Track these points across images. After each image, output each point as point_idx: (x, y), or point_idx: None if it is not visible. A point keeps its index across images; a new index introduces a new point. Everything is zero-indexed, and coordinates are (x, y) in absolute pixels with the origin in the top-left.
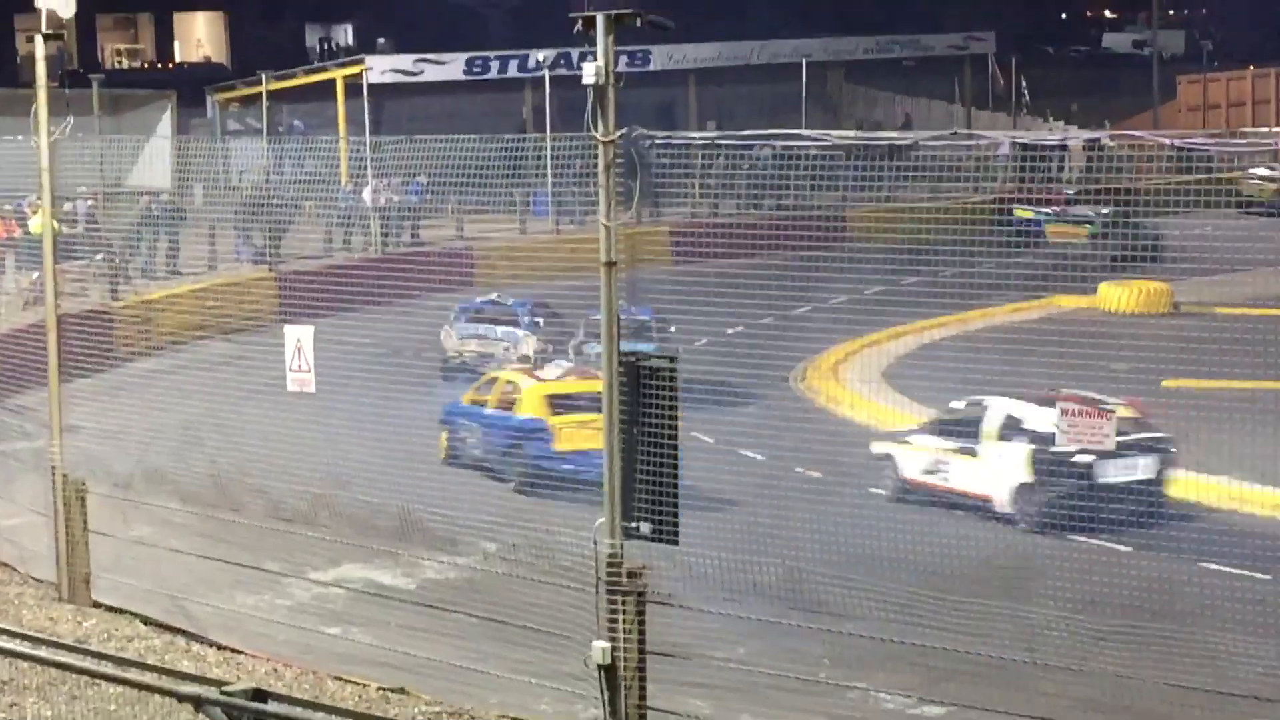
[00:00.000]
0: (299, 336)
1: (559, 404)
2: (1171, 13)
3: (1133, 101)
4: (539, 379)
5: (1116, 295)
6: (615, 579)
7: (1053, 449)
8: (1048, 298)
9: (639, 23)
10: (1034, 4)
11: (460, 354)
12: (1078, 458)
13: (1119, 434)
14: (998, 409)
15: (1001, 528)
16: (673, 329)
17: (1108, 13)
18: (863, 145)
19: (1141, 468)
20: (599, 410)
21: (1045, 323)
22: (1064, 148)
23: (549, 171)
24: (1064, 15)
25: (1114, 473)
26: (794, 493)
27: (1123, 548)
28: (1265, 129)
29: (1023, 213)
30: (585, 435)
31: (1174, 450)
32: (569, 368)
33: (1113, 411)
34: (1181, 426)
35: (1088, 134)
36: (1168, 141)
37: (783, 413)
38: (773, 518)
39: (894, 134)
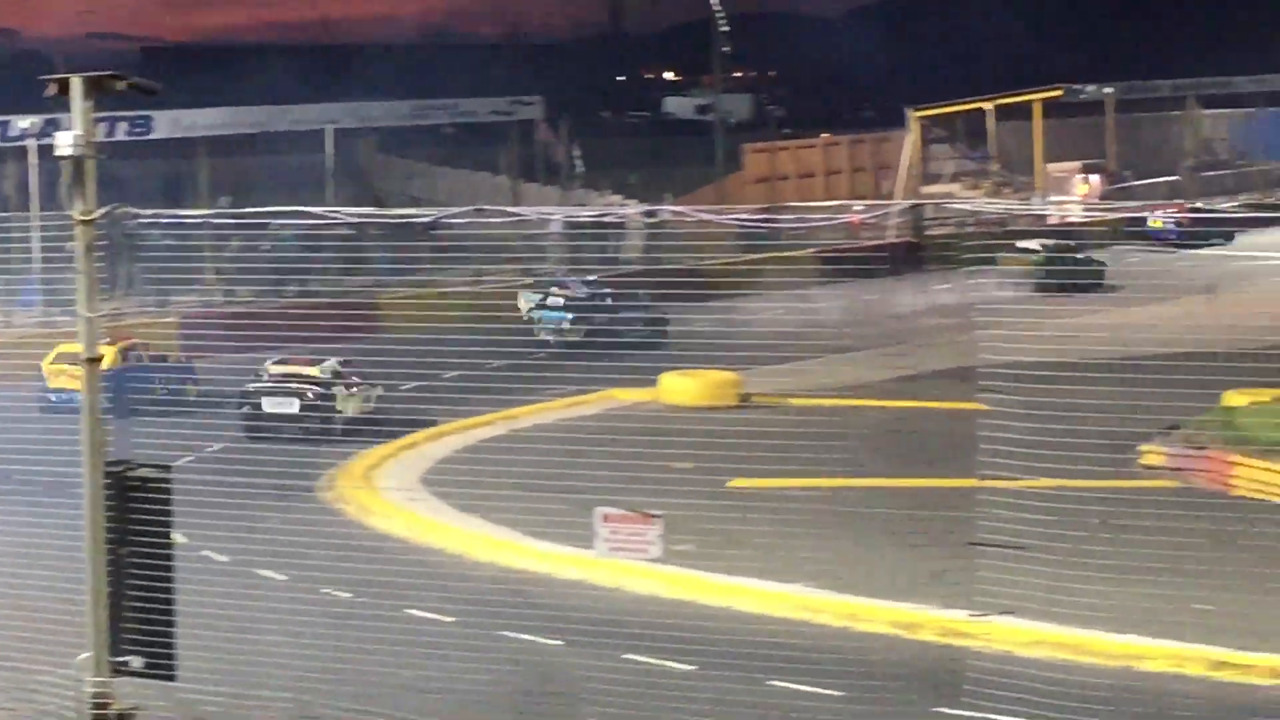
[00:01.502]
0: None
1: (63, 358)
2: (738, 75)
3: (697, 171)
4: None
5: (680, 387)
6: None
7: (245, 389)
8: (605, 391)
9: (122, 86)
10: (587, 65)
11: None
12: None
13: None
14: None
15: (550, 647)
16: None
17: (669, 75)
18: (396, 223)
19: (293, 405)
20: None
21: (602, 418)
22: (620, 224)
23: (37, 255)
24: (621, 78)
25: (272, 406)
26: (319, 616)
27: (681, 666)
28: (832, 202)
29: (1155, 223)
30: (63, 379)
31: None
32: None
33: (659, 516)
34: (747, 531)
35: (644, 208)
36: (722, 218)
37: (308, 526)
38: (295, 645)
39: (412, 210)
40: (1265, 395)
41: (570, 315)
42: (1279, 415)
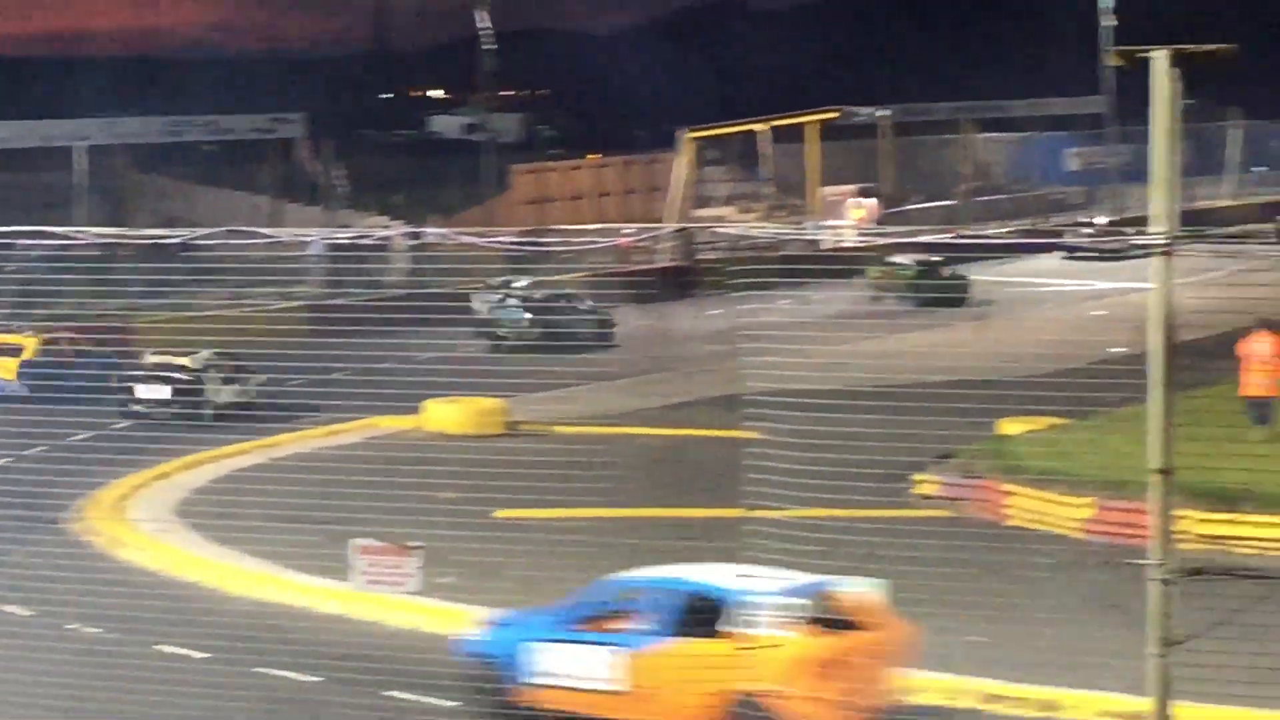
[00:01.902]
0: None
1: None
2: (508, 94)
3: (464, 192)
4: None
5: (444, 415)
6: None
7: (120, 376)
8: (368, 419)
9: None
10: (351, 82)
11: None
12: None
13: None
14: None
15: (309, 684)
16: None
17: (436, 93)
18: (147, 244)
19: (165, 392)
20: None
21: (365, 447)
22: (384, 246)
23: None
24: (387, 95)
25: (145, 392)
26: (65, 653)
27: (443, 702)
28: (599, 225)
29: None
30: None
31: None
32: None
33: (421, 547)
34: (512, 563)
35: (408, 230)
36: (486, 241)
37: (54, 558)
38: (40, 684)
39: (162, 231)
40: (1040, 423)
41: (529, 314)
42: (1053, 444)
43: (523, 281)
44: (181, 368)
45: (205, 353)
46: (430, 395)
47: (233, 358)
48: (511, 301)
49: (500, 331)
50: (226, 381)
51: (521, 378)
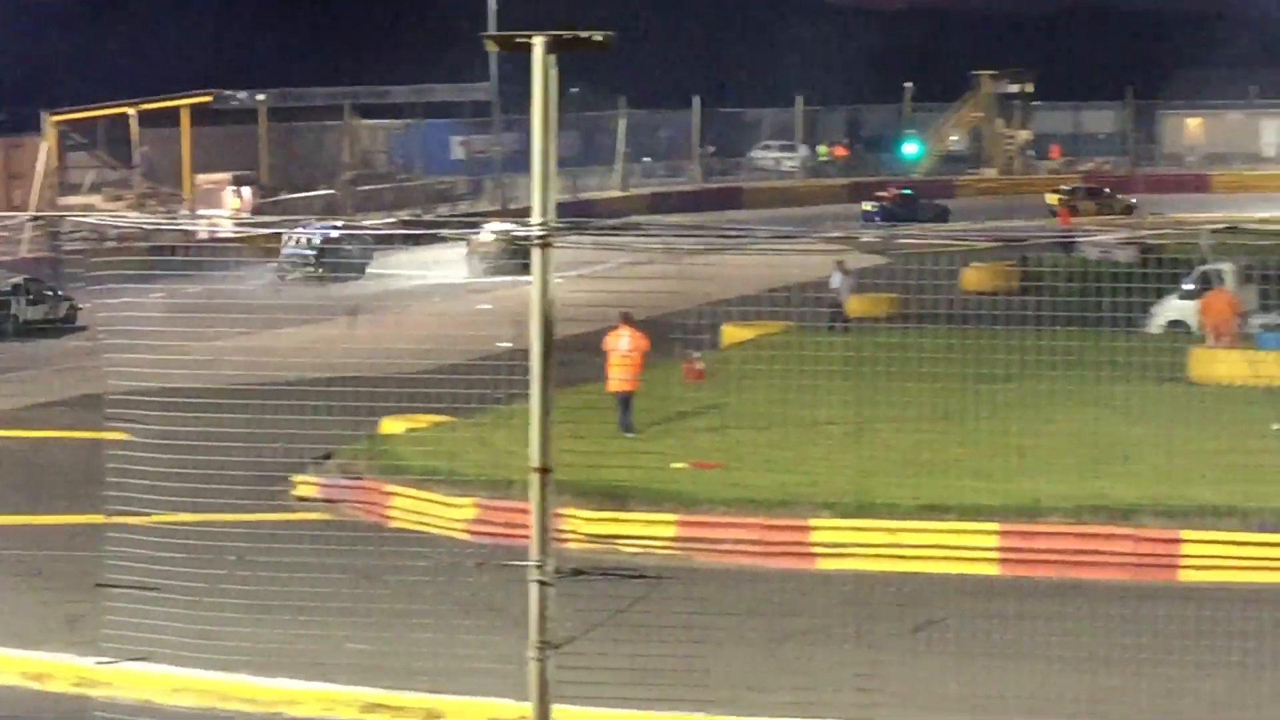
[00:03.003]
0: None
1: None
2: None
3: None
4: None
5: None
6: None
7: None
8: None
9: None
10: None
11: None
12: None
13: None
14: None
15: None
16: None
17: None
18: None
19: None
20: None
21: None
22: None
23: None
24: None
25: None
26: None
27: None
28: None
29: (866, 206)
30: None
31: None
32: None
33: None
34: None
35: None
36: None
37: None
38: None
39: None
40: (423, 422)
41: (313, 253)
42: (437, 443)
43: (305, 229)
44: None
45: (17, 278)
46: None
47: (41, 283)
48: (302, 242)
49: (294, 271)
50: (33, 302)
51: None
